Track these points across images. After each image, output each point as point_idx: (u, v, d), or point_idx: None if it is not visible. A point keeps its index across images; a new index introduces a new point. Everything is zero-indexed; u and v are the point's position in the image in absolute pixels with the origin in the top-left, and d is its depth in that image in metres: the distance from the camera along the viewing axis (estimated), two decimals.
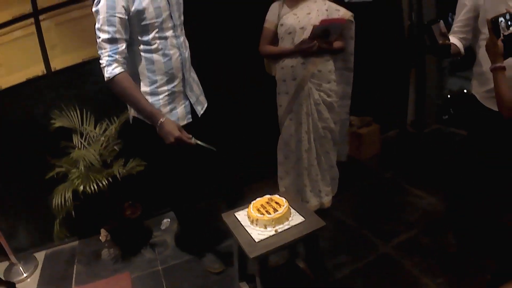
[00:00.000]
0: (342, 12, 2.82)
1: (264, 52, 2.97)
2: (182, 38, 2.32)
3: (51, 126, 2.82)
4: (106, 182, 2.58)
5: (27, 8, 2.83)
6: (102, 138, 2.85)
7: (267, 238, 1.93)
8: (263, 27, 2.93)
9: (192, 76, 2.44)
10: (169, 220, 3.32)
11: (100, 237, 3.03)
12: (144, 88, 2.21)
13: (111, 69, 2.02)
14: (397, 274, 2.51)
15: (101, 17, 1.99)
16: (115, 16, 1.98)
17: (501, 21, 1.75)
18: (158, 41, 2.15)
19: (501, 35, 1.75)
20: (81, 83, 3.05)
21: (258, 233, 1.95)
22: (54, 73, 2.97)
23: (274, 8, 2.91)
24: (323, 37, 2.74)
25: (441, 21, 2.10)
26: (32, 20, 2.86)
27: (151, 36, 2.12)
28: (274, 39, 2.91)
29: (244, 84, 3.43)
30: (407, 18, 4.27)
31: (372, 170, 3.89)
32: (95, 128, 2.94)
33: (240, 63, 3.36)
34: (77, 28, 2.96)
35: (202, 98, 2.55)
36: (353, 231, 2.98)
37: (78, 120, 2.91)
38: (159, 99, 2.24)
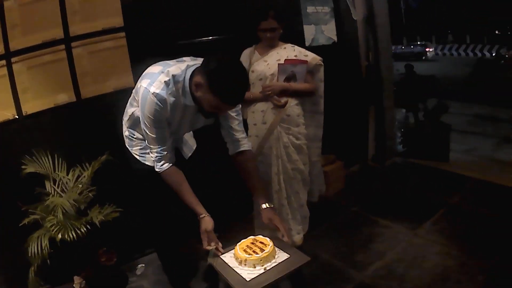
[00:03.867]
0: (311, 57, 2.98)
1: None
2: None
3: (22, 172, 2.75)
4: (85, 229, 2.55)
5: None
6: (80, 186, 2.82)
7: (257, 276, 1.97)
8: None
9: None
10: (143, 265, 3.27)
11: (74, 285, 2.94)
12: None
13: (159, 165, 2.21)
14: None
15: (148, 121, 2.10)
16: (162, 122, 2.12)
17: None
18: None
19: None
20: (52, 128, 3.02)
21: (248, 273, 1.99)
22: (25, 117, 2.92)
23: (245, 55, 3.07)
24: (291, 80, 2.89)
25: None
26: (3, 62, 2.81)
27: None
28: None
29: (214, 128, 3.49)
30: (364, 58, 4.53)
31: (339, 205, 4.02)
32: (67, 174, 2.89)
33: None
34: (49, 72, 2.94)
35: (192, 141, 2.64)
36: (328, 264, 3.05)
37: (50, 166, 2.85)
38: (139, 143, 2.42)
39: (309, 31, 4.14)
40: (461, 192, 3.93)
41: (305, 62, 2.94)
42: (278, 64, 2.88)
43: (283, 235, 2.21)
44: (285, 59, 2.90)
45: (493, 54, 16.45)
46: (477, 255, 2.88)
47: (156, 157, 2.19)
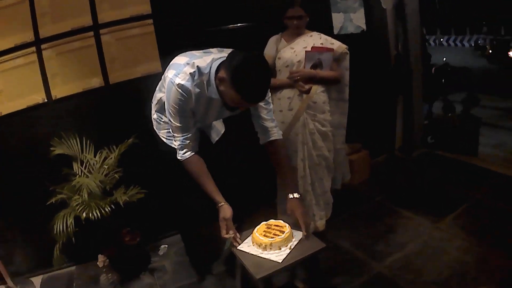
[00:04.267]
0: (336, 45, 2.98)
1: None
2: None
3: (51, 153, 2.85)
4: (109, 209, 2.63)
5: (29, 36, 2.86)
6: (106, 167, 2.90)
7: (288, 255, 2.03)
8: None
9: None
10: (166, 246, 3.35)
11: (98, 263, 3.03)
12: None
13: (182, 153, 2.25)
14: None
15: (172, 110, 2.15)
16: (186, 112, 2.16)
17: None
18: None
19: None
20: (81, 112, 3.10)
21: (276, 256, 2.03)
22: (54, 101, 3.01)
23: (272, 42, 3.08)
24: (317, 67, 2.90)
25: None
26: (33, 48, 2.90)
27: None
28: (272, 72, 3.03)
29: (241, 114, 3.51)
30: (394, 47, 4.46)
31: (363, 194, 4.00)
32: (95, 156, 2.98)
33: None
34: (78, 58, 3.02)
35: (220, 125, 2.67)
36: (347, 252, 3.06)
37: (78, 148, 2.95)
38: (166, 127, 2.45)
39: (337, 19, 4.09)
40: (487, 187, 3.83)
41: (331, 50, 2.93)
42: (305, 51, 2.89)
43: (302, 229, 2.20)
44: (312, 47, 2.91)
45: (472, 45, 15.90)
46: (497, 252, 2.82)
47: (179, 145, 2.23)
